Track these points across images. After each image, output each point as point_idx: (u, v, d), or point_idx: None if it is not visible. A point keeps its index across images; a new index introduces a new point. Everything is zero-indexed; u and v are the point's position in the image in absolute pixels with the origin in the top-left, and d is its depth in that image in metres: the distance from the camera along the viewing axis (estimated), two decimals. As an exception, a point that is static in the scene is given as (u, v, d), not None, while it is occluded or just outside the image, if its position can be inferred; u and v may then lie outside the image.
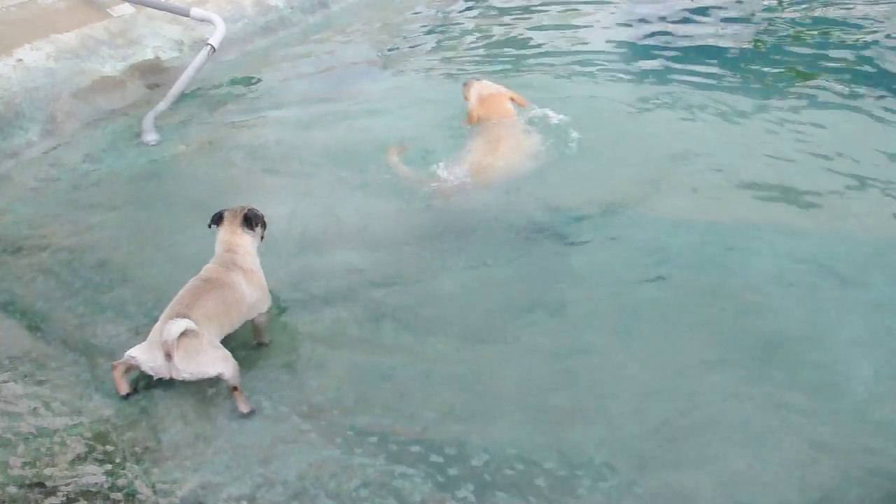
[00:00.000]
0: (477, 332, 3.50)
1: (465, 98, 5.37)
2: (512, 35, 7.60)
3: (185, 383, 2.97)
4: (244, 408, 2.98)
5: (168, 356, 2.86)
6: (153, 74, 6.71)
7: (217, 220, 3.49)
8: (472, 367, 3.26)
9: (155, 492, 2.49)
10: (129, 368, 3.00)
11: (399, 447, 2.83)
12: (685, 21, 7.60)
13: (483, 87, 5.34)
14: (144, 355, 2.95)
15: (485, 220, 4.36)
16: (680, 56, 6.65)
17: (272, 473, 2.69)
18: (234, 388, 2.99)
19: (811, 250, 3.87)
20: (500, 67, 6.66)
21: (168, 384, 3.02)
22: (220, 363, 2.97)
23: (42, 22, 6.49)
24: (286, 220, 4.39)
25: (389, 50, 7.64)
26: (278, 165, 5.15)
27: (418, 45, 7.67)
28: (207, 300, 3.05)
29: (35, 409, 2.82)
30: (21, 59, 5.92)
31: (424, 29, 8.23)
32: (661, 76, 6.19)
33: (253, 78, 6.90)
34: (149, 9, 7.32)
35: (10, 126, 5.39)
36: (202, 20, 7.09)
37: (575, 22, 7.88)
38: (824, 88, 5.65)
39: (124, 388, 3.00)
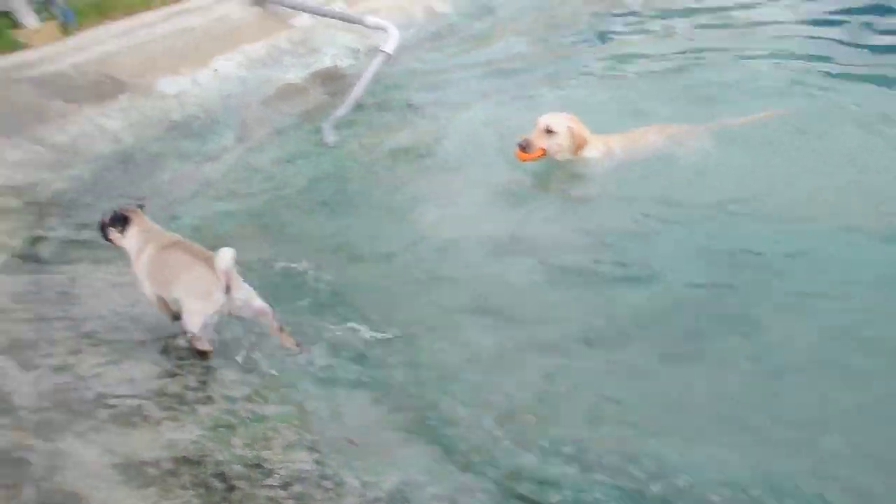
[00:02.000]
0: (671, 347, 3.40)
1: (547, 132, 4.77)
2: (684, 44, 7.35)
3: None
4: (292, 343, 3.24)
5: (227, 288, 3.01)
6: (332, 81, 7.03)
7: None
8: (667, 382, 3.17)
9: (362, 483, 2.60)
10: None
11: (595, 459, 2.77)
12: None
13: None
14: (205, 309, 3.06)
15: (656, 227, 4.26)
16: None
17: (471, 479, 2.72)
18: (280, 329, 3.20)
19: None
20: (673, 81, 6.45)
21: (366, 385, 3.17)
22: (259, 298, 3.17)
23: (234, 35, 6.96)
24: (465, 223, 4.48)
25: (555, 55, 7.60)
26: (454, 167, 5.25)
27: (583, 52, 7.59)
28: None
29: (248, 395, 3.01)
30: (217, 70, 6.38)
31: (589, 35, 8.13)
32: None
33: (425, 83, 7.07)
34: (326, 18, 7.67)
35: (208, 132, 5.83)
36: (376, 28, 7.34)
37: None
38: None
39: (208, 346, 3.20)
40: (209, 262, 3.06)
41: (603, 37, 7.95)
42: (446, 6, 9.14)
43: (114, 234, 3.36)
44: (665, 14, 8.11)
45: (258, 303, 3.19)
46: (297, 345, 3.24)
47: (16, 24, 7.48)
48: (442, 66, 7.55)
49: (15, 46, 7.16)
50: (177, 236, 3.37)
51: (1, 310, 3.37)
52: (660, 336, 3.46)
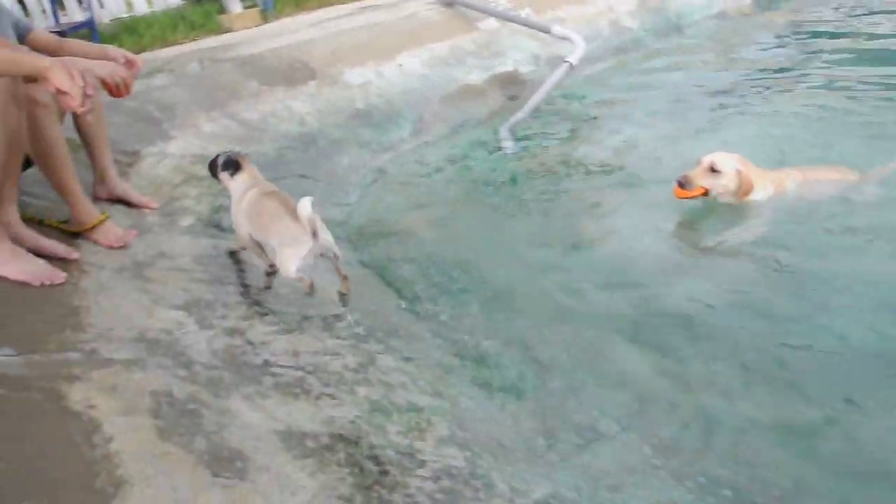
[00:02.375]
0: (841, 393, 3.08)
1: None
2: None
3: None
4: (347, 288, 3.53)
5: (314, 233, 3.16)
6: (512, 85, 7.01)
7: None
8: (835, 435, 2.87)
9: (511, 489, 2.51)
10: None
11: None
12: None
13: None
14: (301, 252, 3.24)
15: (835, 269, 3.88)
16: None
17: (620, 502, 2.59)
18: (344, 277, 3.50)
19: None
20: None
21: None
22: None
23: (420, 33, 7.09)
24: (628, 242, 4.30)
25: (739, 78, 7.21)
26: (624, 184, 5.07)
27: (770, 78, 7.14)
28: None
29: (404, 383, 2.99)
30: (401, 65, 6.52)
31: (780, 59, 7.66)
32: None
33: (604, 96, 6.91)
34: (512, 24, 7.69)
35: (388, 123, 5.96)
36: (562, 38, 7.27)
37: None
38: None
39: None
40: (294, 213, 3.28)
41: (795, 62, 7.46)
42: (633, 21, 8.95)
43: (224, 175, 3.63)
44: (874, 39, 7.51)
45: (336, 248, 3.42)
46: (346, 292, 3.55)
47: (223, 10, 8.02)
48: (622, 81, 7.37)
49: (220, 29, 7.69)
50: (274, 187, 3.63)
51: (184, 269, 3.54)
52: (827, 378, 3.13)
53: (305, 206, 3.20)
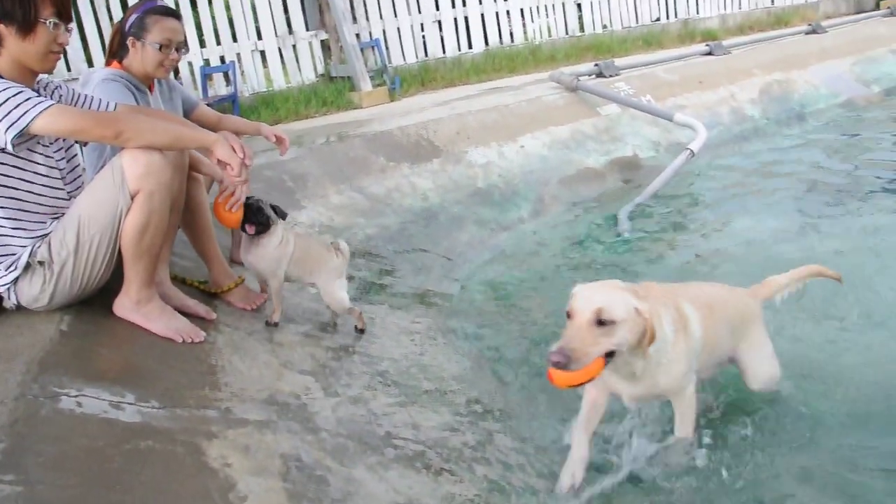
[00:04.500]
0: None
1: None
2: None
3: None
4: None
5: None
6: (629, 170, 7.03)
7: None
8: None
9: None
10: None
11: None
12: None
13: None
14: (345, 284, 3.75)
15: None
16: None
17: None
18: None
19: None
20: None
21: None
22: None
23: (543, 116, 7.24)
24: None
25: (863, 173, 6.90)
26: (744, 272, 4.91)
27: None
28: None
29: (522, 465, 2.97)
30: (523, 146, 6.66)
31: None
32: None
33: (723, 185, 6.81)
34: (632, 109, 7.75)
35: (508, 202, 6.06)
36: (684, 125, 7.27)
37: None
38: None
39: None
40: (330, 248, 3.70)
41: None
42: (755, 109, 8.87)
43: (279, 221, 3.60)
44: None
45: None
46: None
47: (353, 87, 8.44)
48: (742, 170, 7.25)
49: (350, 105, 8.07)
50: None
51: (310, 335, 3.66)
52: None
53: (346, 246, 3.74)
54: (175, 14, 3.81)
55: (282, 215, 3.63)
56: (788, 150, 7.84)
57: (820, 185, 6.65)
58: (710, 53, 10.04)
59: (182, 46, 3.77)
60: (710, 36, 12.06)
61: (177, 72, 8.13)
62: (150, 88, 3.83)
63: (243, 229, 3.46)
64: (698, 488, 2.79)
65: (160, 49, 3.64)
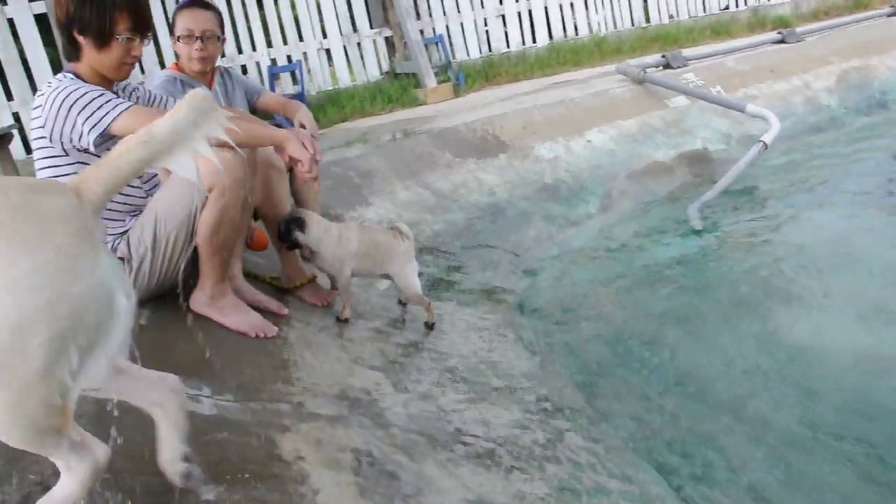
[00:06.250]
0: None
1: None
2: None
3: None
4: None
5: None
6: (699, 164, 6.86)
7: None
8: None
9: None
10: None
11: None
12: None
13: None
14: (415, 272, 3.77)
15: None
16: None
17: None
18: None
19: None
20: None
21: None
22: None
23: (609, 109, 7.12)
24: (821, 334, 4.00)
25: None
26: (817, 271, 4.75)
27: None
28: None
29: (593, 464, 2.92)
30: (590, 140, 6.57)
31: None
32: None
33: (797, 177, 6.59)
34: (701, 101, 7.56)
35: (575, 198, 5.99)
36: (756, 116, 7.06)
37: None
38: None
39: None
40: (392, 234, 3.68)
41: None
42: (832, 98, 8.56)
43: (297, 234, 3.46)
44: None
45: None
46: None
47: (418, 84, 8.46)
48: (818, 162, 6.99)
49: (415, 102, 8.10)
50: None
51: (380, 331, 3.68)
52: None
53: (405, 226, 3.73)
54: (199, 4, 3.77)
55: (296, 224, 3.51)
56: (869, 139, 7.54)
57: (900, 177, 6.40)
58: (782, 41, 9.70)
59: (211, 36, 3.74)
60: (781, 23, 11.65)
61: (245, 71, 8.29)
62: (210, 83, 3.88)
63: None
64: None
65: (179, 40, 3.70)
